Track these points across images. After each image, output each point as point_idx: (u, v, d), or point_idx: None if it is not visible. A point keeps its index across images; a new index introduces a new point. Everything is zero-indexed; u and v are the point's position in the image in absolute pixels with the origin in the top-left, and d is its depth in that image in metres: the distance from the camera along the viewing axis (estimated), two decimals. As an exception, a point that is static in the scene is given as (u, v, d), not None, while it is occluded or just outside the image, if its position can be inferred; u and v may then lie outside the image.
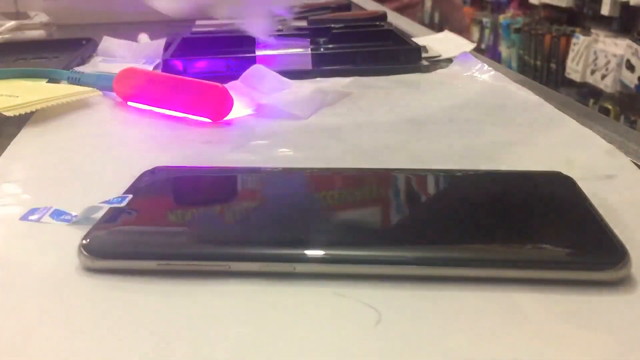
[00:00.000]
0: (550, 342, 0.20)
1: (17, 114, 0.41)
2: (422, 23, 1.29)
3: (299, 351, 0.20)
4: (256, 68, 0.51)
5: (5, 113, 0.41)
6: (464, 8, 3.08)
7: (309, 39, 0.62)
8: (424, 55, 0.61)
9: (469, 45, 0.64)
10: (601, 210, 0.27)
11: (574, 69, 2.58)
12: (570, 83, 2.63)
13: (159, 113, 0.45)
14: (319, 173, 0.33)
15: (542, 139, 0.38)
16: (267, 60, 0.57)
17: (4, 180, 0.34)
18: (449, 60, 0.60)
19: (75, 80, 0.51)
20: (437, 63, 0.60)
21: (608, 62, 2.33)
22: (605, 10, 2.31)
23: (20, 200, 0.32)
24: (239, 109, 0.45)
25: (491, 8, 3.04)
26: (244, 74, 0.50)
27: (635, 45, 1.83)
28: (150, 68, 0.59)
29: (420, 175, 0.31)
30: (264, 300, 0.23)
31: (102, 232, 0.26)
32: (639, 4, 1.81)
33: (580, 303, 0.22)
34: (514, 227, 0.26)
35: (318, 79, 0.54)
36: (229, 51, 0.60)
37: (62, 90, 0.48)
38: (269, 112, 0.45)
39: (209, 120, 0.43)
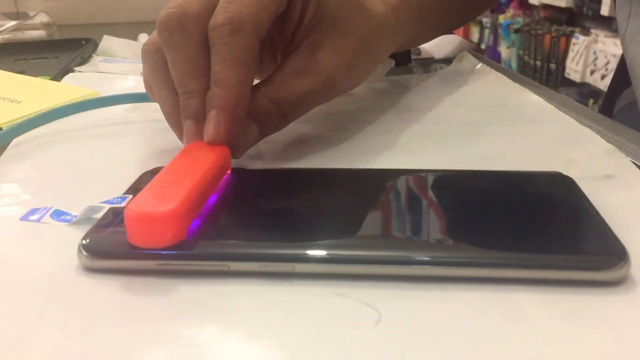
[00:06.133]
0: (550, 342, 0.20)
1: None
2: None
3: (299, 351, 0.20)
4: None
5: (5, 128, 0.41)
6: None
7: None
8: (414, 57, 0.61)
9: (467, 46, 0.64)
10: (601, 210, 0.27)
11: (574, 69, 2.58)
12: (570, 83, 2.64)
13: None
14: (319, 172, 0.33)
15: (542, 139, 0.38)
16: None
17: (4, 180, 0.34)
18: (448, 61, 0.60)
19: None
20: (436, 64, 0.60)
21: (608, 63, 2.33)
22: (604, 10, 2.31)
23: (20, 200, 0.32)
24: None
25: (491, 8, 3.04)
26: None
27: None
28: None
29: (419, 175, 0.31)
30: (263, 300, 0.23)
31: (102, 232, 0.26)
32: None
33: (580, 303, 0.22)
34: (513, 227, 0.26)
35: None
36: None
37: (65, 93, 0.48)
38: None
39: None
